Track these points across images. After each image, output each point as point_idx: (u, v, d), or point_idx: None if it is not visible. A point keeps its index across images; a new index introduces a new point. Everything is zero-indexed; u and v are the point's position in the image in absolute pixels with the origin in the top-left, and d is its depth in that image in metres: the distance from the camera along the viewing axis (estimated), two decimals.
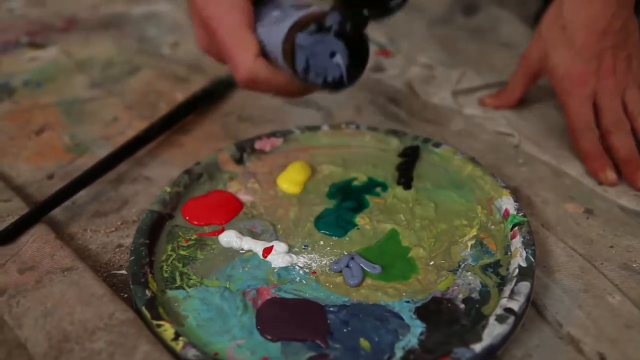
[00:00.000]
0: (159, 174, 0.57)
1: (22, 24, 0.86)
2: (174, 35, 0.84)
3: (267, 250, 0.46)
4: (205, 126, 0.64)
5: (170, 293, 0.43)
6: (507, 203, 0.48)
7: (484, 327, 0.39)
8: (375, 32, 0.83)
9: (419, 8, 0.90)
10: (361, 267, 0.45)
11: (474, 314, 0.41)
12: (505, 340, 0.39)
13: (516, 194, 0.52)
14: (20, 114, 0.67)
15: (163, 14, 0.90)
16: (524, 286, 0.41)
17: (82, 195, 0.54)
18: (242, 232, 0.48)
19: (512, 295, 0.40)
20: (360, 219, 0.49)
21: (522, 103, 0.67)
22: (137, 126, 0.64)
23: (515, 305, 0.40)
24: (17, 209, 0.50)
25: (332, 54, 0.44)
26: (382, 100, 0.68)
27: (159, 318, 0.40)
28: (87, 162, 0.59)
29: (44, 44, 0.81)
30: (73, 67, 0.76)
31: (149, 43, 0.82)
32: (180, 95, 0.70)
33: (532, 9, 0.86)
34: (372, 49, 0.79)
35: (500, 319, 0.39)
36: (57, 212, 0.52)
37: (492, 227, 0.48)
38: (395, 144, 0.57)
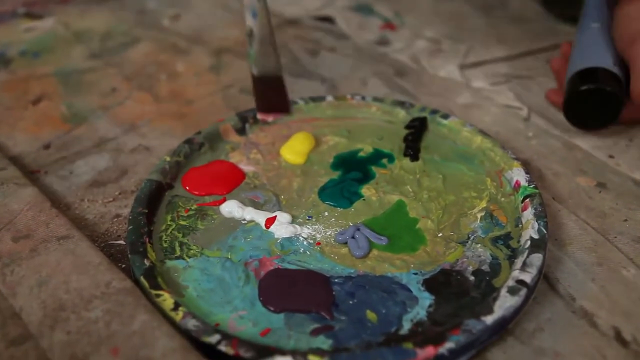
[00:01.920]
0: (159, 144, 0.55)
1: None
2: (174, 8, 0.82)
3: (270, 221, 0.45)
4: (206, 98, 0.63)
5: (170, 263, 0.42)
6: (518, 174, 0.47)
7: (495, 299, 0.37)
8: (380, 6, 0.82)
9: None
10: (367, 238, 0.43)
11: (484, 286, 0.40)
12: (517, 313, 0.37)
13: (527, 167, 0.50)
14: (16, 84, 0.65)
15: None
16: (536, 258, 0.40)
17: (79, 164, 0.53)
18: (244, 203, 0.47)
19: (523, 267, 0.39)
20: (366, 190, 0.48)
21: (530, 76, 0.65)
22: (137, 97, 0.63)
23: (527, 277, 0.38)
24: (12, 177, 0.48)
25: None
26: (388, 73, 0.66)
27: (158, 288, 0.39)
28: (84, 132, 0.57)
29: (42, 14, 0.80)
30: (71, 37, 0.74)
31: (148, 15, 0.81)
32: (181, 67, 0.68)
33: None
34: (377, 22, 0.78)
35: (512, 291, 0.37)
36: (53, 181, 0.51)
37: (502, 199, 0.47)
38: (402, 116, 0.55)
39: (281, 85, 0.42)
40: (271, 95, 0.42)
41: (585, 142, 0.55)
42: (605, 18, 0.59)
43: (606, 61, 0.53)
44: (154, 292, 0.38)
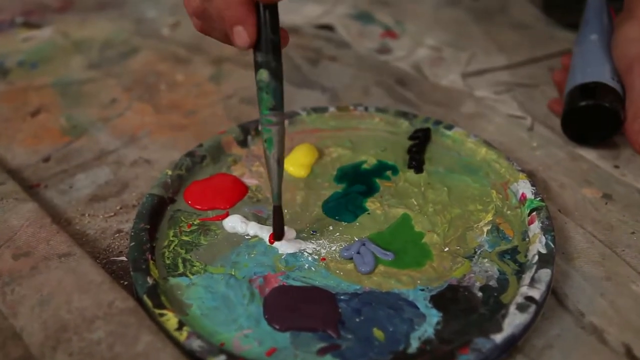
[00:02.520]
0: (160, 156, 0.55)
1: (17, 3, 0.84)
2: (174, 16, 0.82)
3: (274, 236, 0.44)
4: (206, 108, 0.62)
5: (173, 280, 0.41)
6: (524, 187, 0.46)
7: (504, 316, 0.37)
8: (380, 13, 0.81)
9: None
10: (373, 253, 0.43)
11: (493, 303, 0.39)
12: (526, 330, 0.37)
13: (532, 178, 0.50)
14: (15, 95, 0.65)
15: None
16: (545, 273, 0.39)
17: (79, 178, 0.52)
18: (248, 217, 0.46)
19: (532, 283, 0.38)
20: (370, 204, 0.47)
21: (534, 85, 0.65)
22: (137, 108, 0.62)
23: (536, 294, 0.38)
24: (11, 192, 0.48)
25: None
26: (390, 82, 0.66)
27: (162, 307, 0.38)
28: (84, 144, 0.57)
29: (40, 24, 0.79)
30: (70, 47, 0.74)
31: (147, 24, 0.80)
32: (180, 76, 0.68)
33: None
34: (378, 30, 0.77)
35: (521, 308, 0.37)
36: (53, 196, 0.51)
37: (508, 212, 0.46)
38: (405, 127, 0.55)
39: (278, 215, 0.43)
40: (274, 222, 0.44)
41: (590, 152, 0.54)
42: (604, 27, 0.59)
43: (605, 75, 0.53)
44: (157, 311, 0.38)
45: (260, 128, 0.41)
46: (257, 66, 0.39)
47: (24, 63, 0.70)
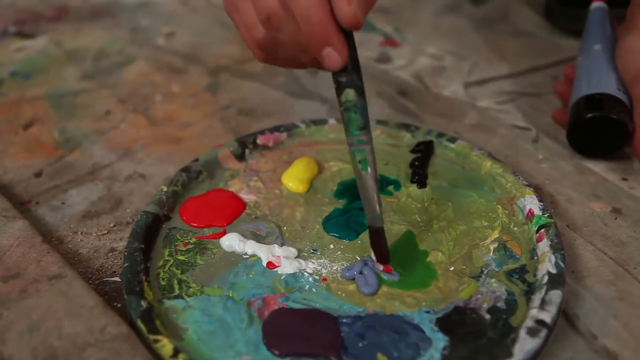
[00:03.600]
0: (155, 171, 0.53)
1: (9, 12, 0.83)
2: (169, 25, 0.80)
3: (272, 264, 0.42)
4: (202, 120, 0.60)
5: (168, 303, 0.40)
6: (531, 202, 0.45)
7: (514, 341, 0.35)
8: (380, 21, 0.80)
9: None
10: (376, 273, 0.41)
11: (501, 326, 0.37)
12: (537, 355, 0.35)
13: (538, 192, 0.48)
14: (7, 107, 0.63)
15: (157, 3, 0.87)
16: (555, 295, 0.37)
17: (72, 194, 0.51)
18: (245, 235, 0.45)
19: (542, 306, 0.37)
20: None
21: (538, 94, 0.64)
22: (131, 120, 0.60)
23: (547, 317, 0.36)
24: (1, 209, 0.46)
25: None
26: (391, 92, 0.64)
27: (156, 332, 0.36)
28: (77, 158, 0.55)
29: (33, 33, 0.78)
30: (63, 57, 0.72)
31: (142, 33, 0.79)
32: (176, 87, 0.66)
33: None
34: (377, 38, 0.76)
35: (532, 332, 0.35)
36: (44, 213, 0.49)
37: (515, 228, 0.45)
38: (407, 139, 0.53)
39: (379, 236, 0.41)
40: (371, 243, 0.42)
41: (598, 165, 0.53)
42: (608, 37, 0.57)
43: (610, 86, 0.52)
44: (151, 337, 0.36)
45: (350, 149, 0.39)
46: (342, 86, 0.37)
47: (17, 74, 0.69)
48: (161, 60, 0.72)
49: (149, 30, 0.79)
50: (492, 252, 0.43)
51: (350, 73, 0.37)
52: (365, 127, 0.38)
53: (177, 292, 0.40)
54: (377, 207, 0.40)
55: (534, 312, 0.37)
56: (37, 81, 0.68)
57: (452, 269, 0.42)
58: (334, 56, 0.36)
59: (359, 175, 0.39)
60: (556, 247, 0.41)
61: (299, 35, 0.37)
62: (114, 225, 0.48)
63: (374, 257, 0.42)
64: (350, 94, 0.37)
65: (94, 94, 0.65)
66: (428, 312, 0.39)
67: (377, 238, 0.41)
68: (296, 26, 0.36)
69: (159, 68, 0.70)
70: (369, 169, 0.39)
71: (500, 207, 0.46)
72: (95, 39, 0.76)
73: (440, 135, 0.53)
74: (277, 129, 0.54)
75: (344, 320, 0.38)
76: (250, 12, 0.39)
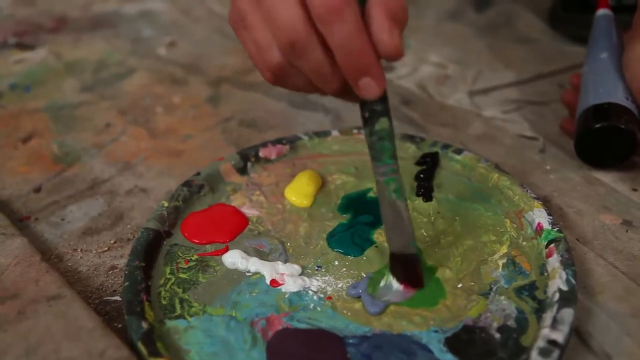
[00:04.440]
0: (156, 185, 0.52)
1: (9, 23, 0.82)
2: (170, 35, 0.80)
3: (276, 282, 0.41)
4: (204, 133, 0.60)
5: (170, 323, 0.39)
6: (540, 216, 0.44)
7: None
8: None
9: (426, 2, 0.86)
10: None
11: (512, 346, 0.36)
12: None
13: (547, 204, 0.47)
14: (7, 120, 0.62)
15: (158, 13, 0.86)
16: (567, 313, 0.36)
17: (71, 210, 0.50)
18: (248, 252, 0.44)
19: (554, 325, 0.36)
20: (378, 236, 0.45)
21: (544, 102, 0.63)
22: (132, 132, 0.60)
23: (559, 337, 0.35)
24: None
25: None
26: (394, 102, 0.63)
27: (157, 355, 0.35)
28: (77, 172, 0.54)
29: (33, 44, 0.77)
30: (63, 69, 0.71)
31: (143, 43, 0.78)
32: (177, 98, 0.65)
33: (546, 3, 0.81)
34: None
35: (544, 353, 0.34)
36: (44, 229, 0.48)
37: (524, 243, 0.44)
38: (412, 151, 0.52)
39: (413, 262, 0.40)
40: (405, 270, 0.41)
41: (607, 175, 0.52)
42: (614, 45, 0.56)
43: (618, 95, 0.51)
44: None
45: (381, 179, 0.37)
46: (377, 115, 0.36)
47: (17, 86, 0.68)
48: (162, 71, 0.71)
49: (150, 40, 0.79)
50: (500, 267, 0.42)
51: (385, 101, 0.36)
52: (395, 154, 0.37)
53: (178, 311, 0.39)
54: (412, 234, 0.39)
55: (546, 331, 0.36)
56: (36, 93, 0.67)
57: (460, 285, 0.41)
58: (372, 86, 0.34)
59: (393, 204, 0.38)
60: (567, 263, 0.40)
61: (325, 65, 0.34)
62: (115, 242, 0.47)
63: (393, 283, 0.40)
64: (385, 123, 0.36)
65: (93, 106, 0.65)
66: (436, 331, 0.38)
67: (412, 264, 0.40)
68: (325, 55, 0.34)
69: (160, 79, 0.69)
70: (402, 198, 0.38)
71: (509, 221, 0.45)
72: (95, 50, 0.76)
73: (446, 146, 0.52)
74: (279, 141, 0.53)
75: (350, 341, 0.37)
76: (264, 32, 0.35)
